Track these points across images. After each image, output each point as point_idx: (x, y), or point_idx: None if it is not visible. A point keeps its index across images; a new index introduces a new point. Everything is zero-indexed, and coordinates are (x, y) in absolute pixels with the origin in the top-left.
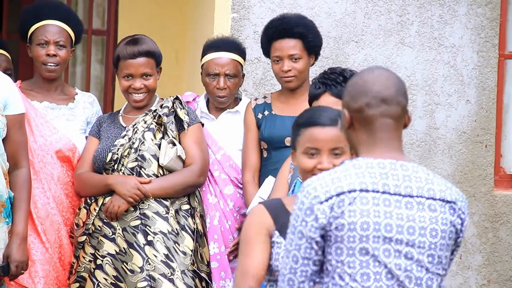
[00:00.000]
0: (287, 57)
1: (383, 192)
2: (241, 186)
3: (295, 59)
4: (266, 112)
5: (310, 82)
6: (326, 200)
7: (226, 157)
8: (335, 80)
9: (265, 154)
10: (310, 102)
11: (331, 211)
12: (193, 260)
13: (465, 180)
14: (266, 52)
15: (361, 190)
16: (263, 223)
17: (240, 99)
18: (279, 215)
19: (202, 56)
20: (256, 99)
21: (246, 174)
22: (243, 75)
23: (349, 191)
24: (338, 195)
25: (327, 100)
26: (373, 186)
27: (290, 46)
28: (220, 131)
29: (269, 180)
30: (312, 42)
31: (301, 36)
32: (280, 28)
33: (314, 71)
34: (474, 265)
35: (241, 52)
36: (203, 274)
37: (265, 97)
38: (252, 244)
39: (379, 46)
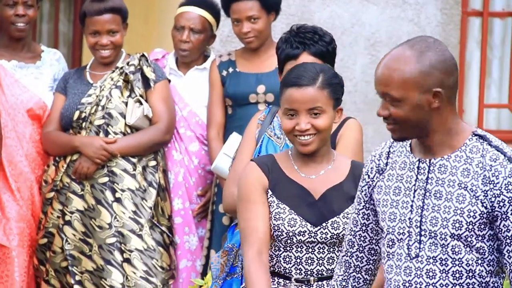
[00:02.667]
0: (245, 18)
1: None
2: (206, 143)
3: (254, 19)
4: (230, 69)
5: (274, 39)
6: None
7: (192, 113)
8: (312, 39)
9: (229, 111)
10: (285, 61)
11: None
12: (153, 213)
13: None
14: (227, 13)
15: None
16: (258, 181)
17: (209, 57)
18: (272, 172)
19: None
20: (220, 56)
21: (211, 130)
22: (214, 35)
23: None
24: None
25: (306, 59)
26: None
27: (247, 7)
28: (187, 88)
29: (234, 137)
30: (269, 0)
31: None
32: None
33: (280, 29)
34: None
35: (213, 11)
36: (163, 228)
37: (229, 54)
38: (252, 203)
39: (344, 3)
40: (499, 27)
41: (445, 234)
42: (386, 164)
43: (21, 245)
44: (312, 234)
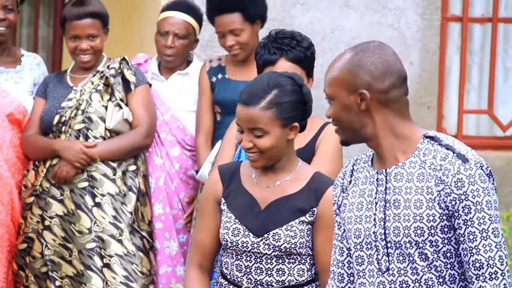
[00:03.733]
0: (228, 32)
1: None
2: (187, 147)
3: (237, 32)
4: (220, 76)
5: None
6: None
7: (174, 118)
8: (290, 44)
9: (218, 118)
10: (263, 67)
11: None
12: (133, 218)
13: None
14: (212, 23)
15: None
16: (212, 191)
17: (191, 61)
18: (230, 180)
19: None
20: (210, 61)
21: (199, 137)
22: (197, 40)
23: None
24: None
25: (283, 65)
26: None
27: (229, 21)
28: (169, 93)
29: (220, 144)
30: (252, 12)
31: (240, 9)
32: (218, 4)
33: (261, 33)
34: None
35: (197, 16)
36: (144, 233)
37: (219, 59)
38: (202, 216)
39: (325, 8)
40: (479, 33)
41: (409, 242)
42: (350, 182)
43: (1, 251)
44: (255, 245)
